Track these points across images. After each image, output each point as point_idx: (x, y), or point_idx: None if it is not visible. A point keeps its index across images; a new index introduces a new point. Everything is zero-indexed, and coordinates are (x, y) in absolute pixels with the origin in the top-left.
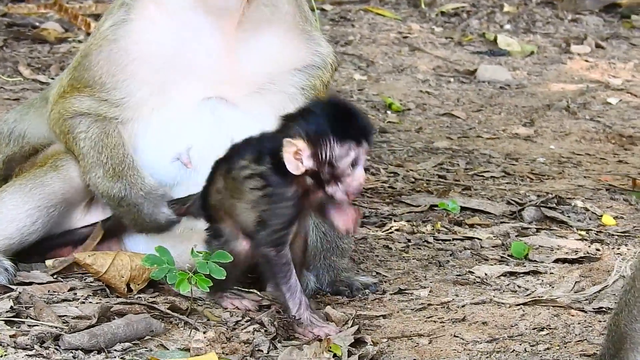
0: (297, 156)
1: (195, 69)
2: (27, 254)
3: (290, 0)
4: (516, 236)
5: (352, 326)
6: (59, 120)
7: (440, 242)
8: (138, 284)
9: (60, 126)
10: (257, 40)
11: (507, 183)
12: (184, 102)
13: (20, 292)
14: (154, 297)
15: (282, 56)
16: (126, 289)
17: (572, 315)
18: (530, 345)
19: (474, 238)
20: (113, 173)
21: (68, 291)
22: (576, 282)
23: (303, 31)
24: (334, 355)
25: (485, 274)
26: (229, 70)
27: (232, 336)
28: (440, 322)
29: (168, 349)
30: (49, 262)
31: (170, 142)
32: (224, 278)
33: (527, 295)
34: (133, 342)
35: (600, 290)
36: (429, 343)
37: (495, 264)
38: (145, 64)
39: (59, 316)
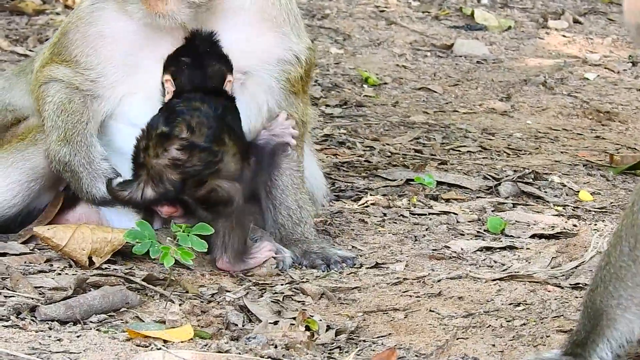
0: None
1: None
2: (8, 228)
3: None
4: (492, 211)
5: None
6: (36, 87)
7: (416, 216)
8: (101, 257)
9: (35, 92)
10: (226, 33)
11: (483, 158)
12: (159, 86)
13: None
14: (130, 269)
15: (252, 51)
16: (88, 262)
17: (549, 291)
18: (507, 321)
19: (450, 213)
20: (64, 137)
21: (44, 262)
22: (553, 257)
23: (275, 27)
24: (308, 328)
25: (462, 249)
26: None
27: (208, 309)
28: (416, 297)
29: (144, 321)
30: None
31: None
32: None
33: (503, 271)
34: (109, 314)
35: (576, 266)
36: (405, 317)
37: (471, 238)
38: (119, 49)
39: (35, 287)
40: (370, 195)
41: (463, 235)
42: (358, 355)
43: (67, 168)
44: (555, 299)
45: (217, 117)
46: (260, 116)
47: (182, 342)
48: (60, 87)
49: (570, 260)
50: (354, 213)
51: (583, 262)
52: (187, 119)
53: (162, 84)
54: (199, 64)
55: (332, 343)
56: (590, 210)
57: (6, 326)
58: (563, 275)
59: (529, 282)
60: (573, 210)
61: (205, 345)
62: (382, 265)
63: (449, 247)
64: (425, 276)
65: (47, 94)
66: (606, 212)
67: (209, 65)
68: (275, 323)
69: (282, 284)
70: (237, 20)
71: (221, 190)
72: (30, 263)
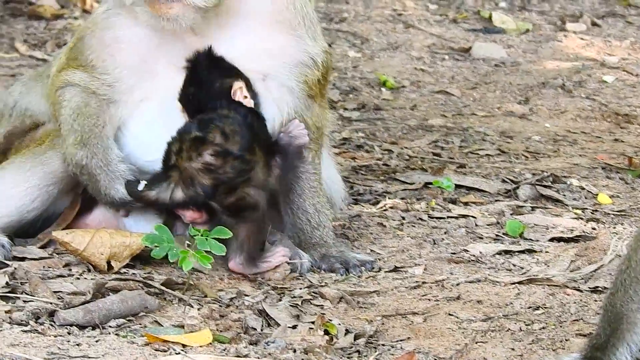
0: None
1: (181, 61)
2: (27, 233)
3: (278, 1)
4: (511, 214)
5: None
6: (52, 92)
7: (434, 220)
8: (119, 261)
9: (52, 97)
10: (239, 38)
11: (502, 161)
12: (175, 92)
13: (15, 268)
14: (148, 273)
15: (267, 54)
16: (107, 267)
17: (568, 295)
18: (526, 324)
19: (469, 216)
20: (80, 140)
21: (63, 267)
22: (572, 261)
23: (290, 29)
24: (326, 332)
25: (480, 252)
26: None
27: (226, 313)
28: (435, 301)
29: (162, 326)
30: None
31: (163, 128)
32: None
33: (522, 274)
34: (127, 319)
35: (596, 270)
36: (424, 321)
37: (490, 242)
38: (134, 54)
39: (54, 292)
40: (389, 198)
41: (482, 238)
42: (377, 359)
43: (85, 171)
44: (575, 303)
45: (248, 126)
46: (281, 118)
47: (200, 346)
48: (76, 91)
49: (590, 264)
50: (373, 217)
51: (602, 265)
52: (221, 125)
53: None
54: (202, 89)
55: (351, 347)
56: (609, 213)
57: (25, 331)
58: (582, 279)
59: (548, 285)
60: (592, 213)
61: (224, 350)
62: (401, 269)
63: (468, 251)
64: (444, 280)
65: (63, 98)
66: (625, 215)
67: (210, 87)
68: (294, 327)
69: (300, 288)
70: (250, 23)
71: (249, 197)
72: (49, 267)
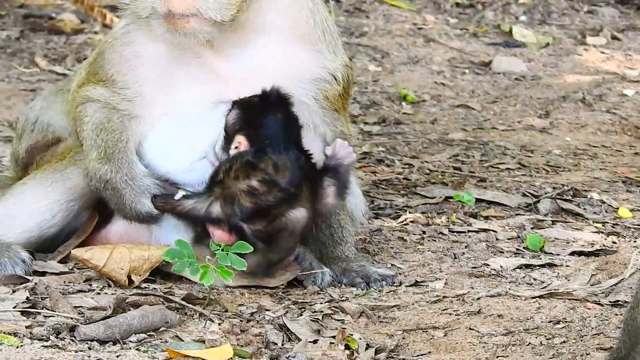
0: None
1: (200, 76)
2: (48, 248)
3: (297, 15)
4: (532, 228)
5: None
6: (73, 107)
7: (455, 234)
8: (139, 275)
9: (73, 113)
10: (258, 53)
11: (522, 175)
12: (195, 106)
13: (36, 283)
14: (169, 288)
15: (287, 69)
16: (127, 281)
17: (589, 309)
18: (546, 339)
19: (489, 230)
20: (104, 155)
21: (84, 282)
22: (592, 274)
23: (309, 44)
24: (347, 347)
25: (501, 267)
26: (232, 77)
27: (247, 328)
28: (456, 315)
29: (183, 340)
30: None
31: (182, 142)
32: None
33: (542, 288)
34: (148, 334)
35: (616, 284)
36: (445, 336)
37: (510, 256)
38: (154, 69)
39: (75, 307)
40: (409, 212)
41: (502, 252)
42: None
43: (108, 186)
44: (595, 317)
45: (300, 166)
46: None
47: None
48: (97, 107)
49: (610, 278)
50: (393, 231)
51: (623, 279)
52: (274, 158)
53: (226, 138)
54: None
55: None
56: (629, 227)
57: (46, 346)
58: (603, 293)
59: (569, 299)
60: (612, 227)
61: None
62: (422, 283)
63: (489, 265)
64: (464, 294)
65: (85, 114)
66: None
67: (286, 126)
68: (315, 342)
69: (321, 303)
70: (269, 38)
71: (287, 229)
72: (69, 282)
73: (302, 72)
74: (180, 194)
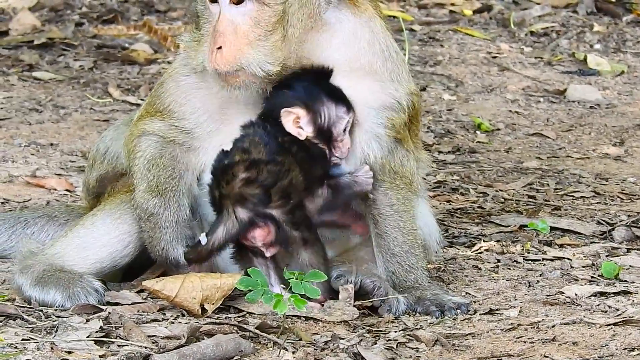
0: (296, 123)
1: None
2: (123, 277)
3: (355, 48)
4: (606, 256)
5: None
6: (130, 140)
7: (530, 262)
8: (212, 303)
9: (128, 144)
10: None
11: (597, 203)
12: None
13: (109, 313)
14: (243, 316)
15: (353, 98)
16: (200, 310)
17: None
18: None
19: (564, 258)
20: (155, 188)
21: (157, 311)
22: None
23: (370, 74)
24: None
25: (576, 294)
26: None
27: (321, 357)
28: (530, 343)
29: None
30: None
31: None
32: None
33: (617, 316)
34: None
35: None
36: None
37: (585, 284)
38: (213, 100)
39: (148, 336)
40: (484, 241)
41: (577, 280)
42: None
43: (153, 219)
44: None
45: (270, 134)
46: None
47: None
48: (152, 141)
49: None
50: (468, 259)
51: None
52: (239, 144)
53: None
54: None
55: None
56: None
57: None
58: None
59: None
60: None
61: None
62: (496, 311)
63: (563, 293)
64: (539, 322)
65: (139, 148)
66: None
67: (267, 98)
68: None
69: (395, 331)
70: (339, 68)
71: (305, 206)
72: (143, 312)
73: (365, 103)
74: (203, 236)
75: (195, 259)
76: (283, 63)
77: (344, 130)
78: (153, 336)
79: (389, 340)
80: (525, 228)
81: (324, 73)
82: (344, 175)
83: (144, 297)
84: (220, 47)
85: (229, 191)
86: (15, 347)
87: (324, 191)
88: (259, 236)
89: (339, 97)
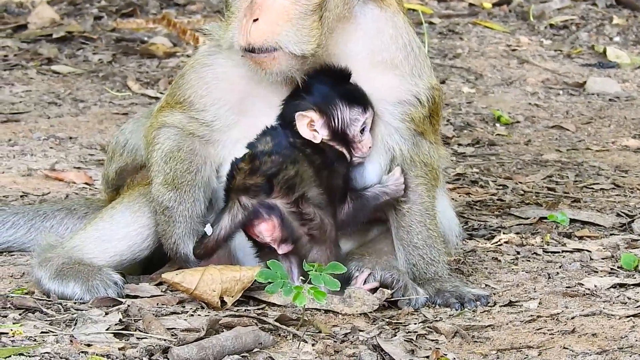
0: (311, 127)
1: (278, 101)
2: (144, 270)
3: (378, 42)
4: (626, 248)
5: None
6: (149, 132)
7: (549, 254)
8: (232, 296)
9: (147, 136)
10: None
11: (616, 195)
12: None
13: (129, 305)
14: (262, 309)
15: (369, 94)
16: (220, 303)
17: None
18: None
19: (584, 250)
20: (171, 182)
21: (177, 304)
22: None
23: (391, 68)
24: None
25: (595, 286)
26: None
27: (341, 349)
28: (550, 334)
29: None
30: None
31: None
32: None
33: (637, 307)
34: (242, 355)
35: None
36: (539, 355)
37: (605, 275)
38: (233, 92)
39: (168, 329)
40: (504, 233)
41: (597, 272)
42: None
43: (167, 213)
44: None
45: (279, 133)
46: (387, 158)
47: None
48: (170, 133)
49: None
50: (487, 252)
51: None
52: (250, 146)
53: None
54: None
55: None
56: None
57: None
58: None
59: None
60: None
61: None
62: (516, 303)
63: (583, 284)
64: (558, 313)
65: (157, 140)
66: None
67: (283, 103)
68: None
69: (415, 323)
70: (349, 65)
71: (311, 199)
72: (162, 305)
73: (386, 97)
74: (208, 226)
75: (203, 253)
76: (316, 49)
77: (362, 130)
78: (172, 329)
79: (409, 332)
80: (544, 220)
81: (343, 75)
82: (372, 186)
83: (163, 289)
84: (256, 20)
85: (235, 184)
86: (34, 340)
87: (347, 207)
88: (265, 231)
89: (355, 98)
